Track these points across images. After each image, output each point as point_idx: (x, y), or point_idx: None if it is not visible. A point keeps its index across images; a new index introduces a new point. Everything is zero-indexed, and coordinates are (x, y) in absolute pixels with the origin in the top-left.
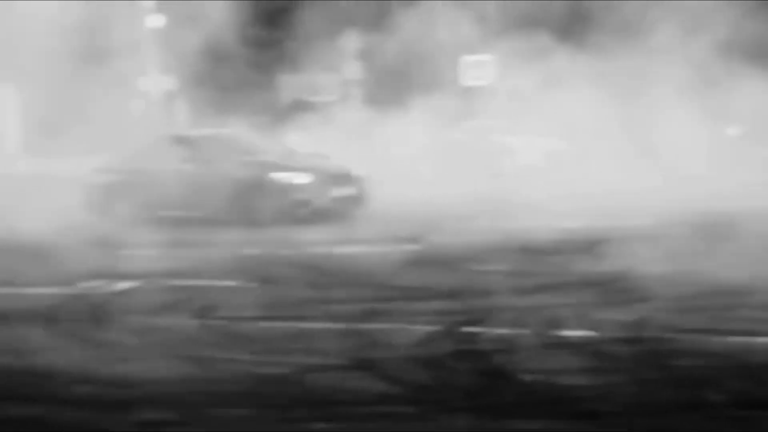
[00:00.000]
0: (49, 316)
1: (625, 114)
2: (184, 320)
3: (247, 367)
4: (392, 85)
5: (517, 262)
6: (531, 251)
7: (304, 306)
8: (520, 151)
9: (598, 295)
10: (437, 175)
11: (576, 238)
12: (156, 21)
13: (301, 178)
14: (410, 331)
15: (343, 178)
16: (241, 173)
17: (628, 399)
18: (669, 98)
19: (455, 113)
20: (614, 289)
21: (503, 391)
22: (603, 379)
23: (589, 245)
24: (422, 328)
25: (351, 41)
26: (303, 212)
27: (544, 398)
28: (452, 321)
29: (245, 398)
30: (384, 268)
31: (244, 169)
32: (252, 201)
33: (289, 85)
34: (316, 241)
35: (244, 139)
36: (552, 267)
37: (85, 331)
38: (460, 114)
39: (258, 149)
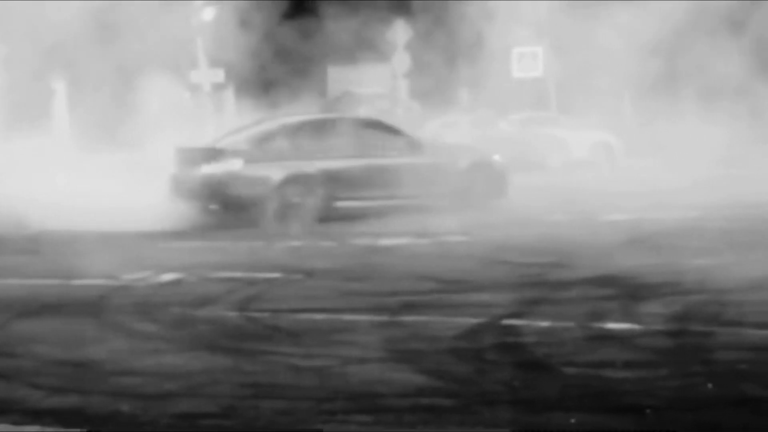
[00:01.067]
0: (93, 307)
1: (675, 106)
2: (225, 312)
3: (288, 359)
4: (442, 76)
5: (562, 254)
6: (575, 243)
7: (345, 298)
8: (570, 144)
9: (641, 287)
10: None
11: (621, 231)
12: (206, 15)
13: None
14: (452, 323)
15: None
16: (469, 158)
17: (672, 393)
18: (718, 91)
19: (506, 105)
20: (657, 281)
21: (545, 384)
22: (646, 373)
23: (634, 238)
24: (464, 321)
25: (400, 33)
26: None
27: (587, 391)
28: (494, 313)
29: (285, 390)
30: (428, 260)
31: (471, 154)
32: (478, 184)
33: (338, 76)
34: (361, 233)
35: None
36: (595, 259)
37: (127, 323)
38: (511, 106)
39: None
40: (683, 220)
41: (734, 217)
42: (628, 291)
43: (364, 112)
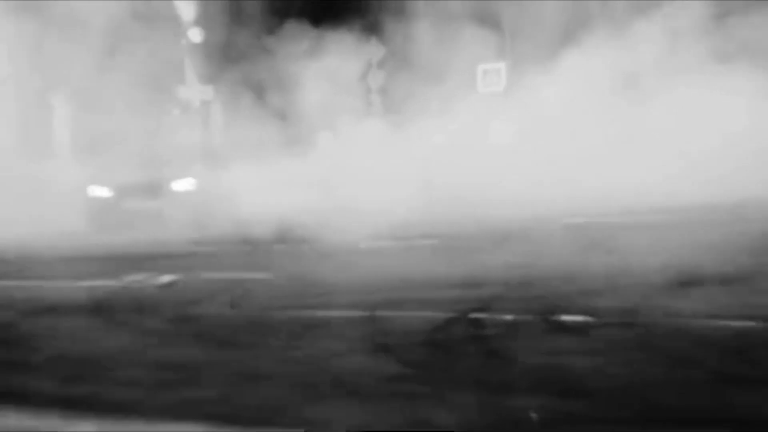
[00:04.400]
0: (101, 306)
1: (630, 116)
2: (220, 309)
3: (277, 352)
4: (411, 91)
5: (524, 254)
6: (537, 244)
7: (329, 295)
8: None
9: (598, 282)
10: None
11: (579, 232)
12: (194, 35)
13: None
14: (425, 317)
15: None
16: None
17: (619, 378)
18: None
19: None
20: (612, 276)
21: (507, 371)
22: (597, 360)
23: (592, 238)
24: (435, 315)
25: (373, 50)
26: None
27: (544, 377)
28: (463, 308)
29: (275, 379)
30: (403, 259)
31: None
32: None
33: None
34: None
35: None
36: (555, 258)
37: (132, 319)
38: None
39: None
40: (639, 223)
41: (693, 220)
42: (586, 286)
43: None
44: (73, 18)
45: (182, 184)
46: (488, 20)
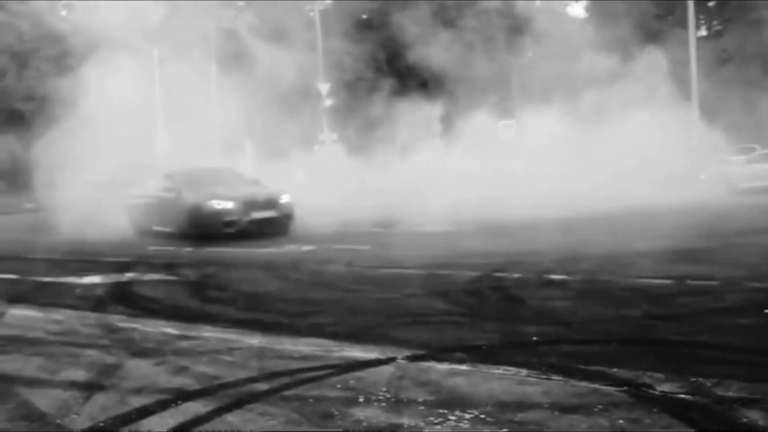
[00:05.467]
0: (266, 264)
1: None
2: (338, 267)
3: (372, 294)
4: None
5: (526, 237)
6: (534, 231)
7: (406, 260)
8: None
9: (571, 254)
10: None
11: (559, 224)
12: (327, 103)
13: None
14: (465, 274)
15: None
16: None
17: (587, 313)
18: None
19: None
20: (580, 251)
21: (517, 309)
22: (572, 303)
23: (567, 228)
24: (472, 273)
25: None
26: None
27: (540, 313)
28: (489, 269)
29: (372, 311)
30: (451, 239)
31: None
32: None
33: None
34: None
35: None
36: (545, 239)
37: (285, 273)
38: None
39: None
40: (575, 219)
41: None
42: (563, 256)
43: None
44: (261, 91)
45: (286, 198)
46: (506, 94)
